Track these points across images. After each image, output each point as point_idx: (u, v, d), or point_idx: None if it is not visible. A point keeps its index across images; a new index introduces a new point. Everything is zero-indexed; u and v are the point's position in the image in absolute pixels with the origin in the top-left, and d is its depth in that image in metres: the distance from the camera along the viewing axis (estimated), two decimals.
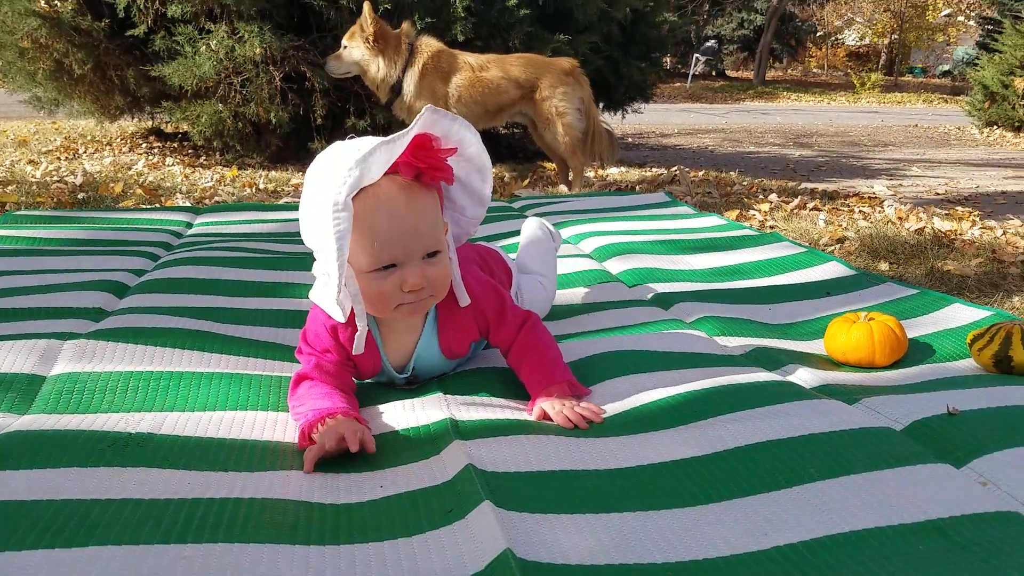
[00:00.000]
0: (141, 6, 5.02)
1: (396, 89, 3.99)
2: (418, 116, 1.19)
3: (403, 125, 4.42)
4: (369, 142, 1.16)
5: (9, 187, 3.72)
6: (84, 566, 0.83)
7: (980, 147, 8.36)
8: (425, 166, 1.19)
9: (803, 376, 1.46)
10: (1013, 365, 1.44)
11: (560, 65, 4.11)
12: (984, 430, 1.13)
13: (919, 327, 1.73)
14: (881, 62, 30.76)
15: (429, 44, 4.00)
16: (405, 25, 4.02)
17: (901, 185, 5.06)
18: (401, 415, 1.30)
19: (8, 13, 4.96)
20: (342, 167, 1.15)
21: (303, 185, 1.26)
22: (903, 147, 8.28)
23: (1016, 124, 9.68)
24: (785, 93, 19.94)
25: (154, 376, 1.36)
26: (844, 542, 0.89)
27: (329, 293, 1.21)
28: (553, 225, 2.80)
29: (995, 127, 9.94)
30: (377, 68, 3.95)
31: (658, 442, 1.18)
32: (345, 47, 4.06)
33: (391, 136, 1.15)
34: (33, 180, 3.99)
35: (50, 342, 1.47)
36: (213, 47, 4.91)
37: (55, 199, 3.50)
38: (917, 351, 1.61)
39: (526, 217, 3.02)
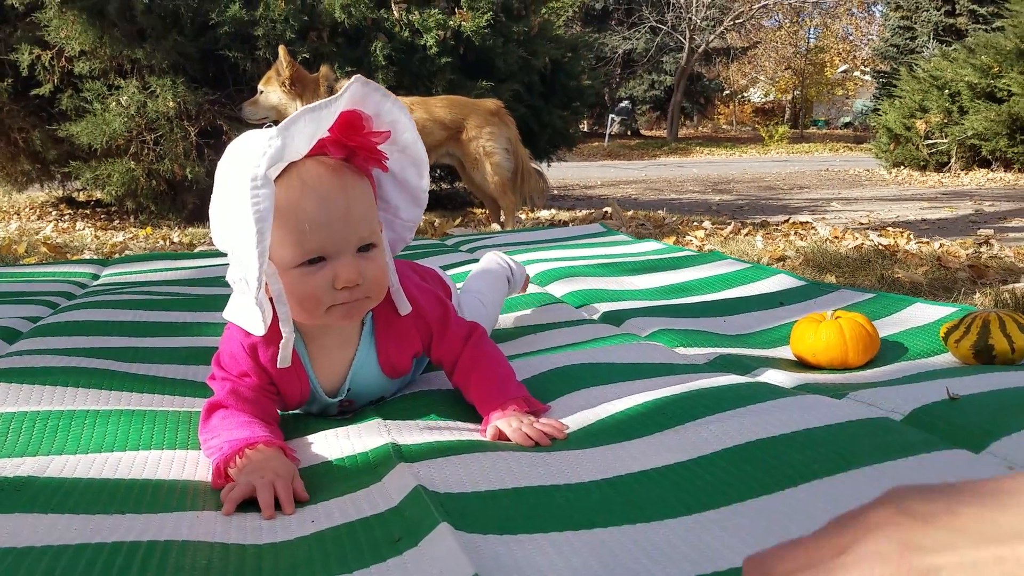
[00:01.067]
0: (46, 64, 4.79)
1: None
2: (346, 85, 1.03)
3: None
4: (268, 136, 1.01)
5: None
6: None
7: (891, 185, 8.74)
8: (356, 145, 1.05)
9: (778, 378, 1.35)
10: (995, 354, 1.36)
11: (485, 106, 4.07)
12: (993, 413, 1.03)
13: (886, 327, 1.66)
14: (786, 116, 32.50)
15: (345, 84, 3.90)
16: (324, 68, 3.92)
17: (824, 219, 5.17)
18: (334, 444, 1.12)
19: None
20: (259, 141, 1.00)
21: (213, 185, 1.08)
22: (818, 188, 8.59)
23: (921, 163, 10.21)
24: (698, 148, 20.71)
25: (40, 416, 1.14)
26: None
27: (247, 299, 1.04)
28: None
29: (902, 167, 10.47)
30: (288, 110, 3.84)
31: (634, 450, 1.04)
32: (261, 92, 3.92)
33: (316, 103, 1.00)
34: None
35: None
36: (124, 103, 4.71)
37: None
38: (889, 350, 1.53)
39: (460, 251, 2.90)
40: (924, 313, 1.71)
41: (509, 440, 1.11)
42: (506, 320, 1.86)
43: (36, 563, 0.74)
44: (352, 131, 1.05)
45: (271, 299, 1.07)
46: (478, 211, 5.01)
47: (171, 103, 4.69)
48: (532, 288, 2.16)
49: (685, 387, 1.25)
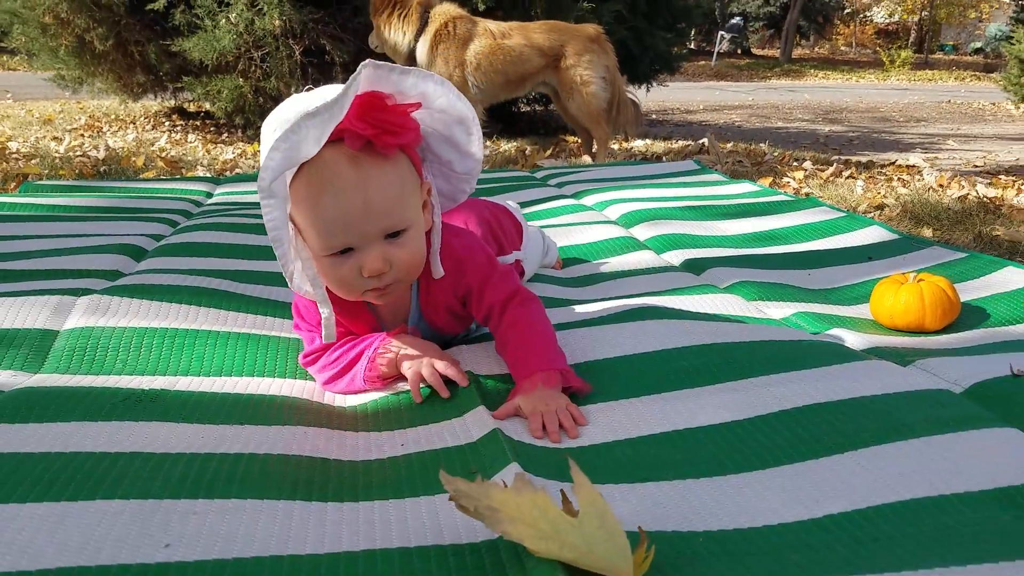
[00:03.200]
0: None
1: (411, 58, 3.92)
2: (354, 74, 0.98)
3: None
4: (316, 100, 0.99)
5: (32, 160, 3.70)
6: (90, 520, 0.78)
7: (1017, 122, 8.11)
8: (375, 131, 1.00)
9: (850, 339, 1.37)
10: None
11: (585, 32, 4.00)
12: None
13: (971, 291, 1.63)
14: (911, 39, 30.05)
15: (444, 10, 3.91)
16: None
17: (937, 158, 4.90)
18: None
19: None
20: (269, 143, 0.98)
21: None
22: (936, 122, 8.06)
23: None
24: (812, 71, 19.53)
25: (168, 333, 1.31)
26: (903, 510, 0.81)
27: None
28: (574, 195, 2.73)
29: None
30: (389, 36, 3.90)
31: (693, 404, 1.10)
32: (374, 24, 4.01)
33: (326, 102, 0.95)
34: (56, 155, 3.97)
35: (63, 298, 1.42)
36: (233, 20, 4.85)
37: (77, 171, 3.48)
38: (970, 315, 1.51)
39: (548, 186, 2.95)
40: (1015, 278, 1.67)
41: (523, 416, 1.07)
42: (586, 266, 1.91)
43: (172, 467, 0.89)
44: (372, 114, 1.00)
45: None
46: (571, 139, 4.99)
47: (277, 21, 4.81)
48: (617, 231, 2.20)
49: (753, 343, 1.29)
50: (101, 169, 3.58)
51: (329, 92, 1.00)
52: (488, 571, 0.73)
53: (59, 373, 1.18)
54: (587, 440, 1.03)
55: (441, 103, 1.10)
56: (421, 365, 1.16)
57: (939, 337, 1.42)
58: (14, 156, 3.85)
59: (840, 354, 1.23)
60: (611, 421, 1.08)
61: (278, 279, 1.71)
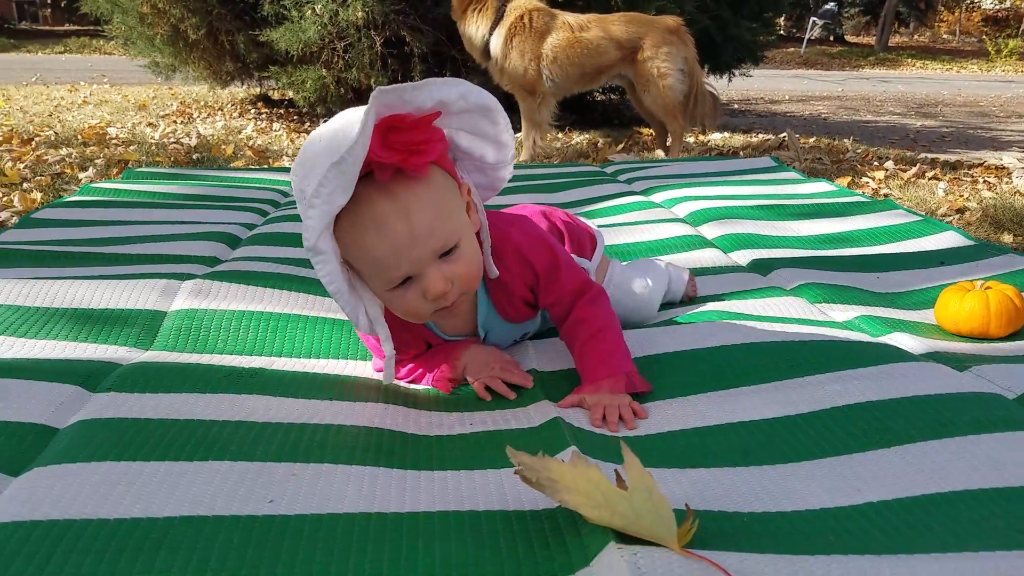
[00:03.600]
0: None
1: (487, 53, 4.00)
2: (367, 108, 0.94)
3: (498, 89, 4.46)
4: (337, 138, 0.95)
5: (131, 147, 3.97)
6: (205, 477, 0.90)
7: None
8: (401, 157, 0.97)
9: (909, 343, 1.39)
10: None
11: (664, 23, 3.99)
12: None
13: None
14: (1021, 28, 28.31)
15: (521, 3, 3.95)
16: None
17: None
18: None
19: None
20: (298, 193, 0.99)
21: None
22: None
23: None
24: (909, 60, 18.69)
25: (264, 316, 1.45)
26: (942, 501, 0.85)
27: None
28: (644, 191, 2.75)
29: None
30: (466, 32, 3.99)
31: (749, 401, 1.15)
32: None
33: (348, 148, 0.92)
34: (152, 141, 4.24)
35: (169, 281, 1.58)
36: (318, 11, 5.04)
37: (172, 158, 3.72)
38: None
39: (618, 181, 2.98)
40: None
41: (585, 407, 1.13)
42: (647, 253, 1.95)
43: (274, 434, 1.02)
44: (395, 136, 0.97)
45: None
46: (645, 131, 4.99)
47: (360, 13, 4.98)
48: (684, 229, 2.23)
49: (811, 343, 1.33)
50: (194, 157, 3.81)
51: (348, 122, 0.97)
52: (547, 534, 0.82)
53: (168, 350, 1.33)
54: (643, 430, 1.11)
55: (460, 105, 1.06)
56: (486, 377, 1.21)
57: (1002, 344, 1.42)
58: (114, 142, 4.14)
59: (897, 356, 1.26)
60: (667, 414, 1.14)
61: None
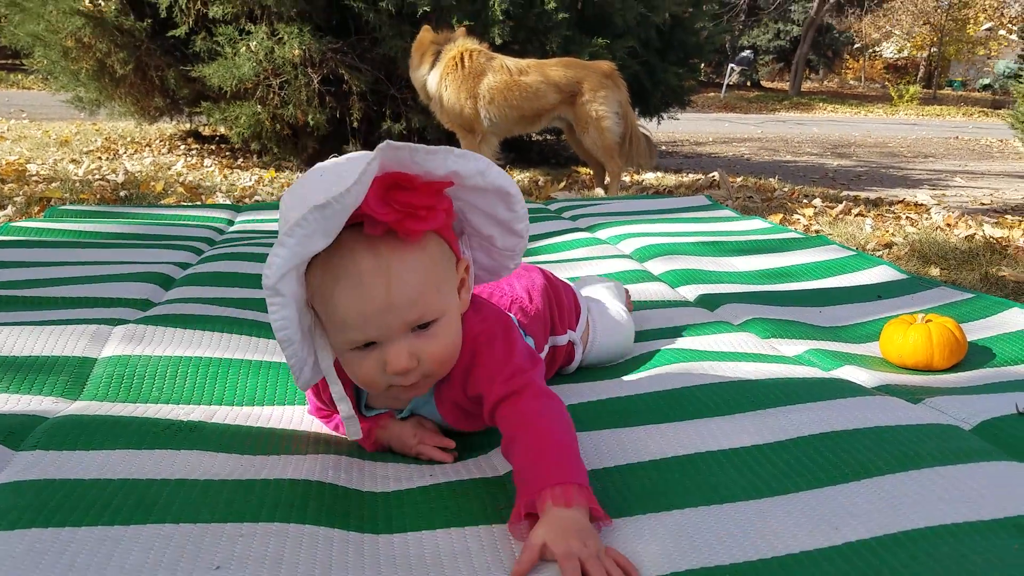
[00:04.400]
0: (183, 6, 5.10)
1: (427, 89, 4.07)
2: (373, 155, 0.89)
3: (440, 128, 4.49)
4: (332, 181, 0.89)
5: (53, 184, 3.79)
6: (145, 543, 0.82)
7: None
8: (396, 217, 0.90)
9: (861, 376, 1.41)
10: None
11: (600, 68, 4.09)
12: None
13: (977, 331, 1.67)
14: (920, 75, 30.29)
15: (459, 44, 4.02)
16: (422, 34, 4.06)
17: (944, 195, 4.95)
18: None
19: (53, 12, 5.07)
20: (280, 233, 0.89)
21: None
22: (944, 158, 8.13)
23: None
24: (821, 104, 19.70)
25: (203, 362, 1.36)
26: (919, 538, 0.85)
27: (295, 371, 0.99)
28: (588, 228, 2.77)
29: None
30: (412, 73, 4.07)
31: (715, 429, 1.14)
32: None
33: (338, 193, 0.85)
34: (76, 178, 4.06)
35: (99, 327, 1.48)
36: (253, 48, 4.97)
37: (98, 196, 3.56)
38: (977, 354, 1.55)
39: (563, 218, 3.00)
40: (1020, 319, 1.71)
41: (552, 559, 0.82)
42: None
43: (218, 493, 0.94)
44: (395, 195, 0.90)
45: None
46: (583, 171, 5.07)
47: (296, 50, 4.93)
48: (631, 264, 2.25)
49: (770, 376, 1.34)
50: (121, 194, 3.66)
51: (352, 166, 0.91)
52: None
53: (99, 400, 1.23)
54: (611, 461, 1.06)
55: (476, 181, 0.98)
56: (415, 450, 1.11)
57: (947, 376, 1.46)
58: (35, 179, 3.94)
59: (851, 390, 1.27)
60: (627, 442, 1.11)
61: None
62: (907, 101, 20.74)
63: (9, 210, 3.07)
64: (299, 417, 1.24)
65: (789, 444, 1.07)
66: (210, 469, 1.00)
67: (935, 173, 6.63)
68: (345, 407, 1.03)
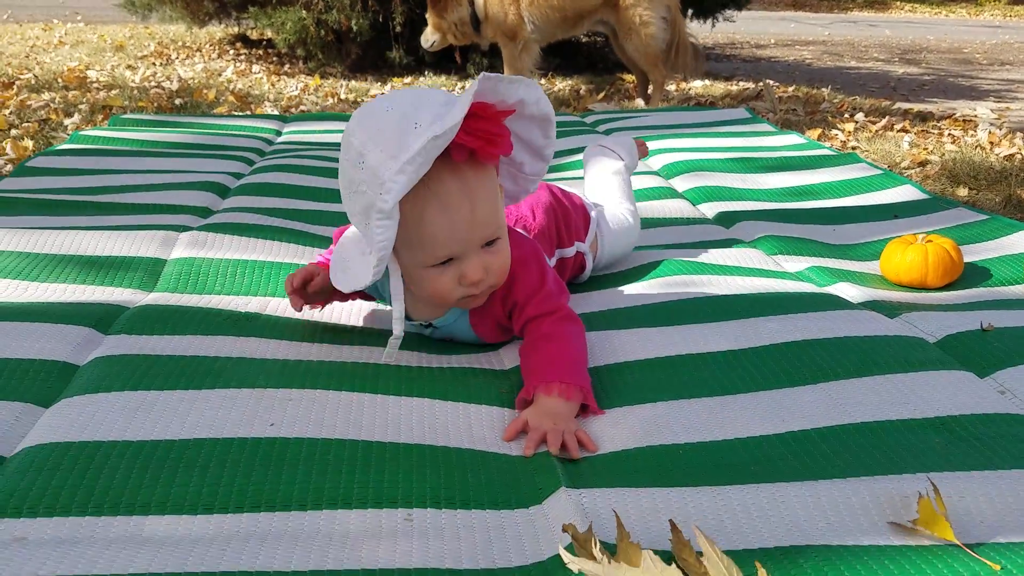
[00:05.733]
0: None
1: (474, 18, 4.02)
2: (470, 88, 1.00)
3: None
4: (417, 112, 0.98)
5: (112, 91, 3.98)
6: (214, 403, 1.03)
7: None
8: (479, 143, 1.01)
9: (851, 292, 1.52)
10: None
11: None
12: (1015, 345, 1.19)
13: (981, 252, 1.74)
14: None
15: None
16: None
17: (1009, 109, 4.77)
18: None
19: None
20: (387, 168, 0.97)
21: (346, 140, 1.06)
22: (1022, 67, 7.69)
23: None
24: (899, 2, 18.50)
25: (257, 265, 1.56)
26: (853, 431, 0.99)
27: (347, 278, 1.13)
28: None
29: None
30: (451, 13, 4.01)
31: (696, 335, 1.28)
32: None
33: (448, 123, 0.95)
34: (133, 85, 4.24)
35: (167, 232, 1.68)
36: None
37: (155, 103, 3.74)
38: (974, 274, 1.63)
39: (597, 132, 3.06)
40: None
41: (527, 431, 1.00)
42: None
43: (271, 368, 1.15)
44: (477, 124, 1.00)
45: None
46: (628, 78, 5.02)
47: None
48: (656, 181, 2.33)
49: (761, 288, 1.47)
50: (176, 102, 3.84)
51: (426, 97, 1.02)
52: (507, 474, 0.94)
53: (170, 292, 1.44)
54: (602, 361, 1.21)
55: (532, 109, 1.09)
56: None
57: (938, 294, 1.55)
58: (95, 85, 4.14)
59: (836, 304, 1.39)
60: (618, 345, 1.26)
61: (343, 219, 1.91)
62: (994, 0, 19.32)
63: (76, 118, 3.27)
64: (337, 314, 1.41)
65: (760, 350, 1.21)
66: (264, 351, 1.21)
67: (1006, 84, 6.33)
68: (399, 327, 1.13)
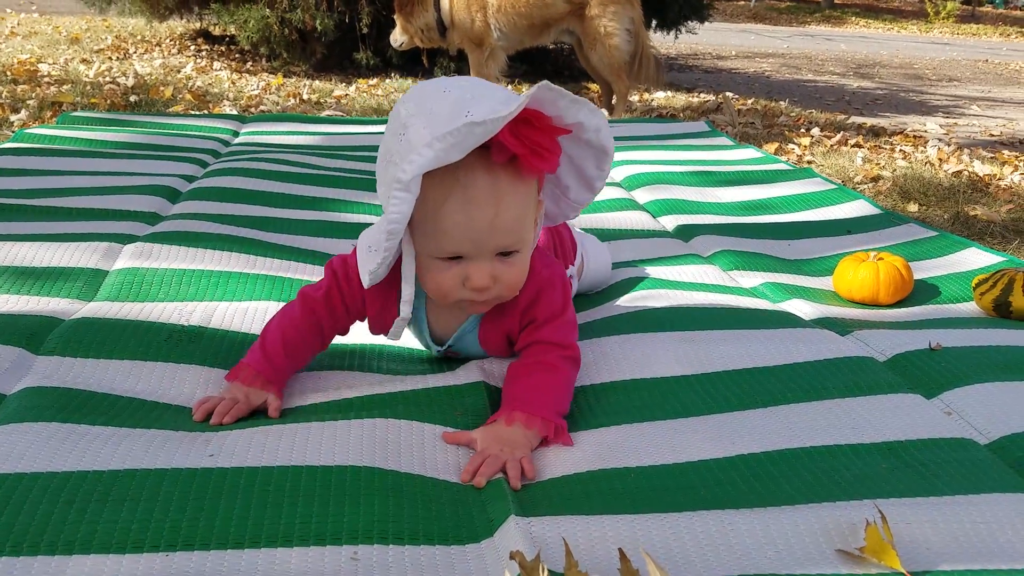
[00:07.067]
0: None
1: (440, 25, 4.00)
2: (528, 91, 0.97)
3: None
4: (473, 101, 0.96)
5: (64, 86, 3.86)
6: (147, 438, 0.98)
7: None
8: (524, 150, 0.96)
9: (804, 309, 1.53)
10: (1012, 310, 1.49)
11: None
12: (961, 365, 1.21)
13: (930, 269, 1.78)
14: None
15: None
16: None
17: (956, 124, 4.91)
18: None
19: None
20: (420, 138, 0.95)
21: (396, 110, 1.05)
22: (968, 83, 7.94)
23: None
24: (854, 18, 18.95)
25: (204, 274, 1.50)
26: (802, 455, 0.99)
27: (368, 260, 1.06)
28: None
29: None
30: (418, 18, 3.99)
31: (652, 357, 1.26)
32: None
33: (493, 117, 0.92)
34: (87, 80, 4.11)
35: (111, 244, 1.62)
36: None
37: (108, 100, 3.63)
38: (924, 292, 1.66)
39: None
40: (973, 259, 1.81)
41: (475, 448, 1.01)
42: (583, 220, 2.06)
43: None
44: (526, 131, 0.97)
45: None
46: (593, 87, 5.04)
47: None
48: (618, 192, 2.34)
49: (716, 303, 1.47)
50: (131, 99, 3.73)
51: (492, 91, 1.00)
52: (458, 504, 0.90)
53: (110, 301, 1.38)
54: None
55: (590, 136, 1.08)
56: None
57: (888, 311, 1.57)
58: (46, 80, 4.00)
59: (788, 321, 1.40)
60: (585, 370, 1.22)
61: (299, 227, 1.87)
62: (943, 18, 19.89)
63: (23, 114, 3.16)
64: None
65: (713, 376, 1.21)
66: (208, 378, 1.16)
67: (954, 99, 6.52)
68: (407, 309, 1.10)
